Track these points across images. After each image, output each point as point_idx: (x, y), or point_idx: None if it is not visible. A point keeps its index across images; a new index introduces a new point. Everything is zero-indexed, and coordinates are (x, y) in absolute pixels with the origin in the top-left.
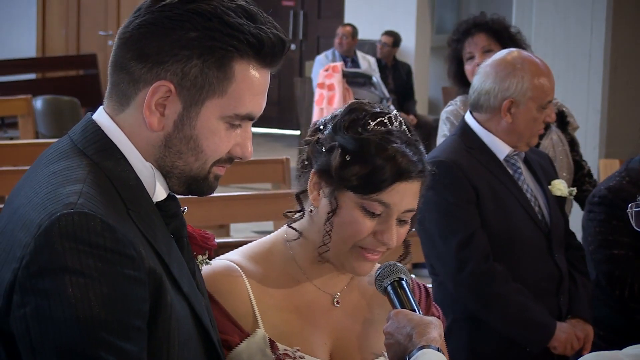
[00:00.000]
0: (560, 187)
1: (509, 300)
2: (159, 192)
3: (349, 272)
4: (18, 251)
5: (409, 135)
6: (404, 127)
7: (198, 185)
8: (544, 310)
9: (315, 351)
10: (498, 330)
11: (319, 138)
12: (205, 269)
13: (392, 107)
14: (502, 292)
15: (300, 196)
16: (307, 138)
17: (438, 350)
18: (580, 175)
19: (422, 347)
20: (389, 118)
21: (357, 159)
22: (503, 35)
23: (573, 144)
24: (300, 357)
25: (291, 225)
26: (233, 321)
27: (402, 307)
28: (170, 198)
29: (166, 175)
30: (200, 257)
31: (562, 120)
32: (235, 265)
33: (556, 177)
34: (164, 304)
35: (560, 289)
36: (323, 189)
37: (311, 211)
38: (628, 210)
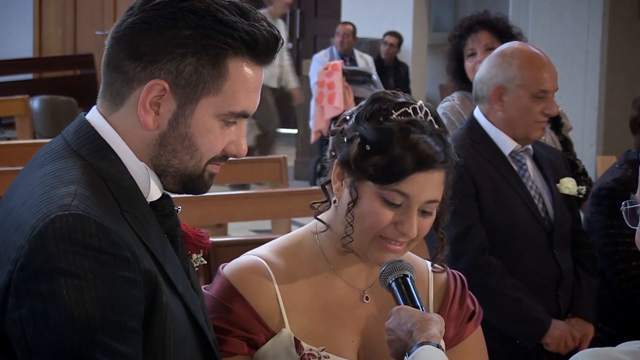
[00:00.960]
0: (568, 185)
1: (503, 294)
2: (154, 192)
3: (372, 263)
4: (13, 253)
5: (435, 126)
6: (429, 117)
7: (193, 183)
8: (539, 306)
9: (342, 350)
10: (492, 324)
11: (343, 128)
12: (232, 264)
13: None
14: (497, 286)
15: (326, 187)
16: (333, 129)
17: (438, 347)
18: (575, 175)
19: (422, 344)
20: (414, 108)
21: (377, 149)
22: (506, 35)
23: (566, 144)
24: (325, 357)
25: (318, 217)
26: (259, 320)
27: (405, 304)
28: (164, 197)
29: (161, 174)
30: (194, 256)
31: (556, 122)
32: (263, 262)
33: (568, 175)
34: (159, 304)
35: (560, 286)
36: (345, 179)
37: (335, 202)
38: (622, 207)
